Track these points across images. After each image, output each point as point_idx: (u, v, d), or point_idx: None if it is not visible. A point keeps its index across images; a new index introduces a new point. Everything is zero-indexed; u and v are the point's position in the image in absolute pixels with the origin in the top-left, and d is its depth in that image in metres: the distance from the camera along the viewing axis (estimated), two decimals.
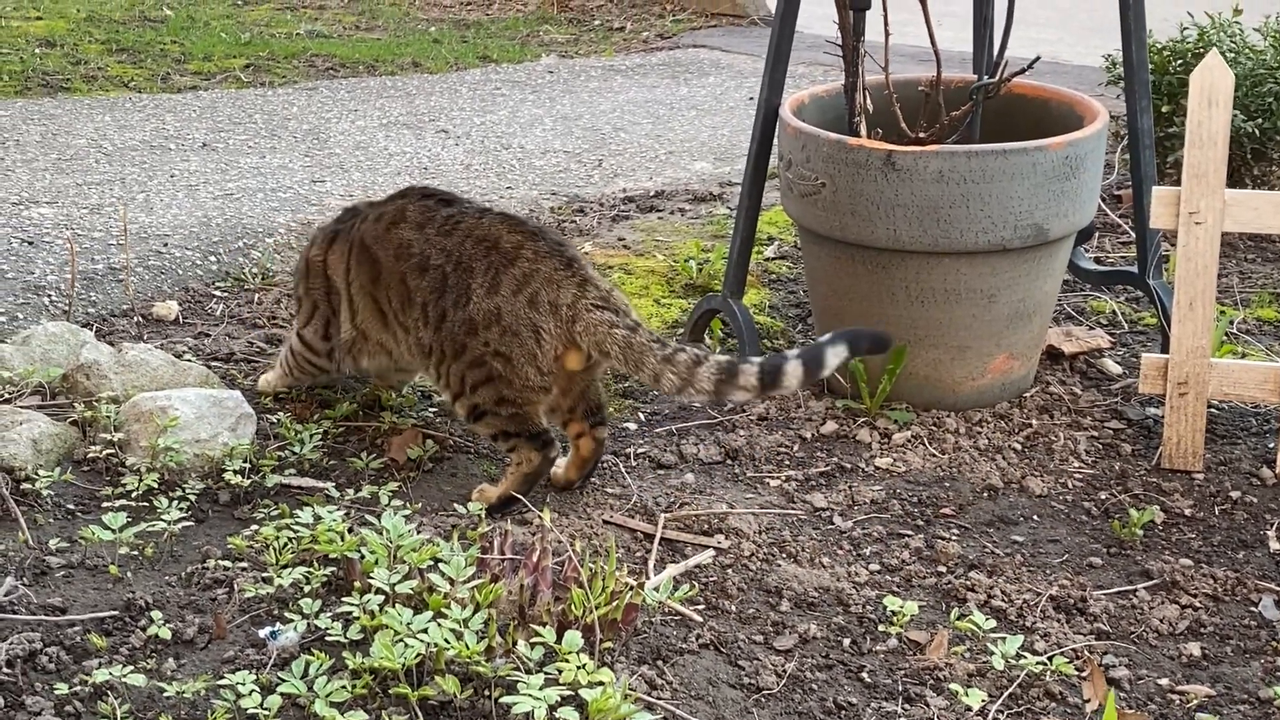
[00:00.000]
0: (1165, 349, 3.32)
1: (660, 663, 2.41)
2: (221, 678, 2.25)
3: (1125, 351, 3.75)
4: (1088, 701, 2.38)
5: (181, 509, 2.77)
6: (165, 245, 4.27)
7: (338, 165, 5.31)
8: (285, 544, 2.62)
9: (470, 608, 2.29)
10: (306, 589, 2.51)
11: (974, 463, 3.18)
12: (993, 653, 2.43)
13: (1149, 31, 3.90)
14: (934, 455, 3.20)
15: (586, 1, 9.36)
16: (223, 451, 2.99)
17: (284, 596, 2.52)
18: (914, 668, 2.45)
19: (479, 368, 2.89)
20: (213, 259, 4.25)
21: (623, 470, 3.13)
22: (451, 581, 2.37)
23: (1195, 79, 3.07)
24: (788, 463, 3.20)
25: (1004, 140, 3.21)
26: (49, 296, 3.85)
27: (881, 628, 2.56)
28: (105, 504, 2.83)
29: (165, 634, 2.39)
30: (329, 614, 2.40)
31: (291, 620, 2.40)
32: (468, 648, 2.21)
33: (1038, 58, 3.42)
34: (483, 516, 2.76)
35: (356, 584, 2.44)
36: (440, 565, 2.41)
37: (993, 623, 2.52)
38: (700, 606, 2.61)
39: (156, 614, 2.44)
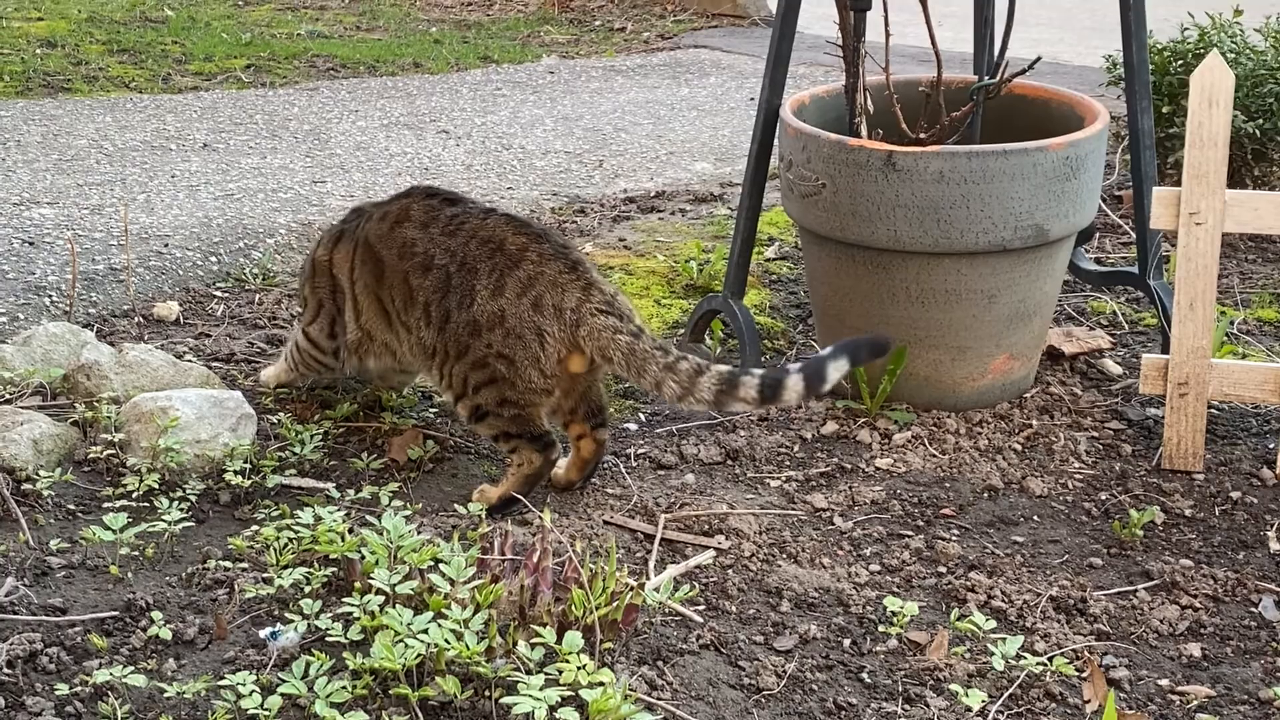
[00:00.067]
0: (1165, 349, 3.32)
1: (660, 663, 2.41)
2: (222, 678, 2.25)
3: (1126, 352, 3.75)
4: (1088, 702, 2.38)
5: (182, 509, 2.77)
6: (166, 246, 4.28)
7: (339, 166, 5.31)
8: (286, 544, 2.62)
9: (470, 608, 2.29)
10: (307, 589, 2.51)
11: (974, 463, 3.18)
12: (993, 653, 2.43)
13: (1149, 32, 3.90)
14: (934, 456, 3.20)
15: (587, 2, 9.36)
16: (223, 452, 2.99)
17: (284, 597, 2.52)
18: (914, 668, 2.45)
19: (482, 369, 2.89)
20: (213, 259, 4.25)
21: (623, 471, 3.13)
22: (452, 582, 2.37)
23: (1196, 79, 3.07)
24: (788, 463, 3.20)
25: (1005, 141, 3.21)
26: (50, 297, 3.85)
27: (882, 628, 2.56)
28: (106, 504, 2.83)
29: (166, 634, 2.39)
30: (329, 614, 2.40)
31: (292, 621, 2.40)
32: (468, 648, 2.21)
33: (1038, 58, 3.43)
34: (483, 517, 2.76)
35: (357, 584, 2.44)
36: (441, 566, 2.41)
37: (993, 623, 2.52)
38: (700, 607, 2.61)
39: (157, 614, 2.44)
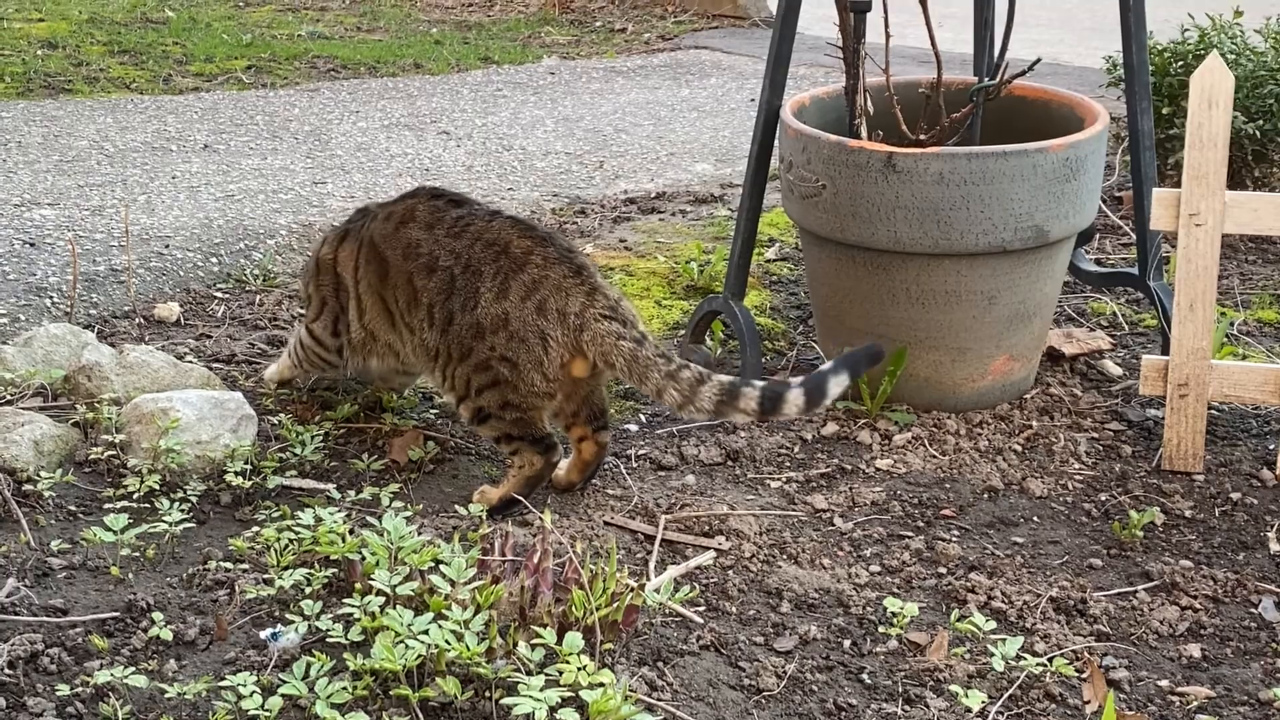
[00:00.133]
0: (1165, 351, 3.32)
1: (661, 664, 2.42)
2: (223, 679, 2.25)
3: (1126, 353, 3.75)
4: (1087, 703, 2.39)
5: (183, 510, 2.77)
6: (167, 247, 4.28)
7: (339, 167, 5.31)
8: (286, 545, 2.62)
9: (471, 609, 2.30)
10: (307, 590, 2.51)
11: (974, 464, 3.18)
12: (993, 654, 2.44)
13: (1150, 33, 3.90)
14: (934, 457, 3.21)
15: (588, 3, 9.37)
16: (224, 453, 2.99)
17: (285, 598, 2.52)
18: (914, 669, 2.45)
19: (485, 372, 2.89)
20: (214, 260, 4.25)
21: (624, 472, 3.13)
22: (452, 583, 2.37)
23: (1196, 81, 3.07)
24: (788, 464, 3.20)
25: (1005, 142, 3.21)
26: (51, 298, 3.85)
27: (882, 629, 2.56)
28: (107, 505, 2.84)
29: (167, 635, 2.39)
30: (330, 615, 2.41)
31: (293, 622, 2.41)
32: (468, 649, 2.21)
33: (1038, 59, 3.43)
34: (484, 518, 2.76)
35: (357, 585, 2.44)
36: (441, 567, 2.41)
37: (993, 624, 2.52)
38: (701, 608, 2.61)
39: (158, 615, 2.44)
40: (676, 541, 2.84)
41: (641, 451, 3.23)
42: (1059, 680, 2.43)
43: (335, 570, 2.56)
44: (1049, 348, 3.61)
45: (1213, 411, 3.39)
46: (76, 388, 3.18)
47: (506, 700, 2.13)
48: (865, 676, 2.44)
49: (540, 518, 2.58)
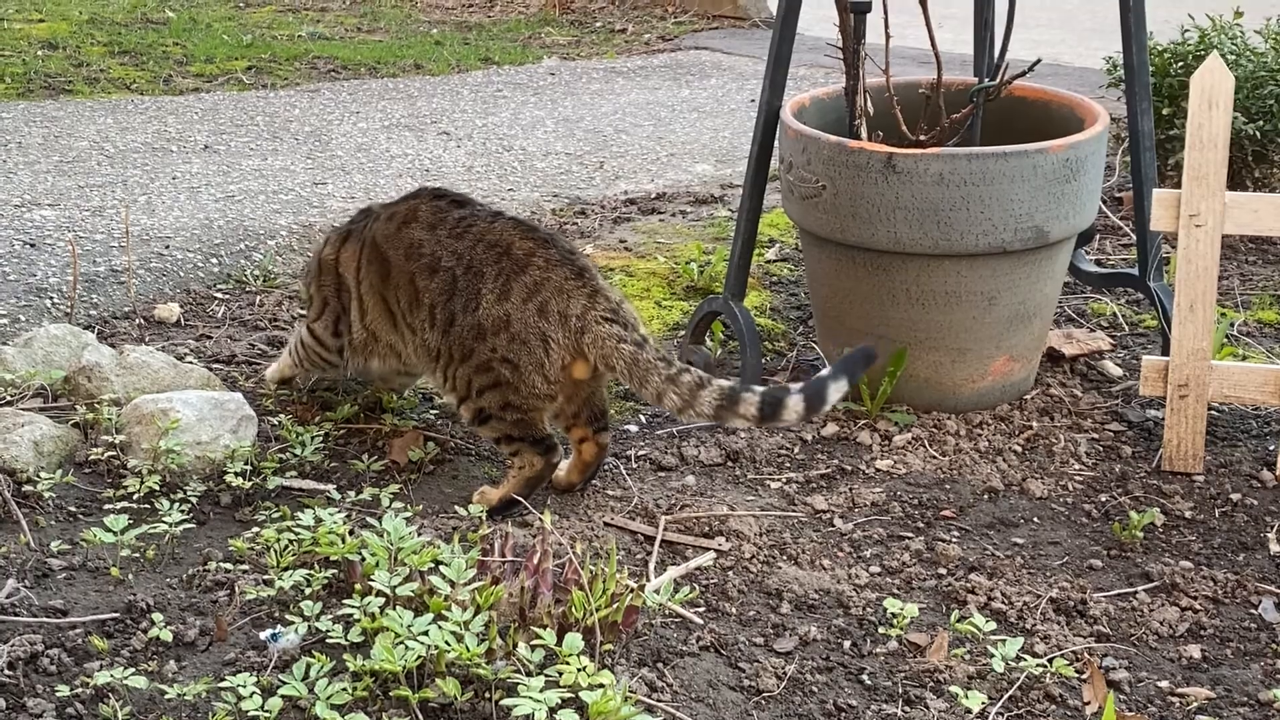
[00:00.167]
0: (1166, 351, 3.32)
1: (661, 665, 2.42)
2: (222, 680, 2.25)
3: (1126, 354, 3.75)
4: (1087, 704, 2.38)
5: (183, 511, 2.77)
6: (167, 247, 4.28)
7: (339, 167, 5.32)
8: (286, 546, 2.62)
9: (471, 610, 2.30)
10: (307, 591, 2.51)
11: (974, 465, 3.18)
12: (993, 655, 2.43)
13: (1150, 34, 3.90)
14: (934, 457, 3.20)
15: (588, 4, 9.37)
16: (224, 454, 2.99)
17: (285, 599, 2.52)
18: (914, 670, 2.45)
19: (486, 373, 2.89)
20: (214, 261, 4.25)
21: (623, 472, 3.13)
22: (452, 584, 2.37)
23: (1196, 81, 3.07)
24: (788, 465, 3.20)
25: (1005, 143, 3.21)
26: (51, 299, 3.85)
27: (882, 630, 2.56)
28: (106, 506, 2.84)
29: (166, 636, 2.39)
30: (330, 616, 2.41)
31: (292, 622, 2.41)
32: (468, 650, 2.21)
33: (1038, 60, 3.42)
34: (483, 519, 2.76)
35: (357, 586, 2.44)
36: (441, 568, 2.41)
37: (993, 625, 2.52)
38: (701, 609, 2.61)
39: (158, 616, 2.44)
40: (676, 542, 2.84)
41: (641, 452, 3.23)
42: (1059, 681, 2.43)
43: (335, 571, 2.56)
44: (1049, 348, 3.61)
45: (1213, 412, 3.39)
46: (76, 388, 3.18)
47: (506, 701, 2.13)
48: (865, 677, 2.44)
49: (540, 519, 2.58)
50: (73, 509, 2.83)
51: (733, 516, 2.93)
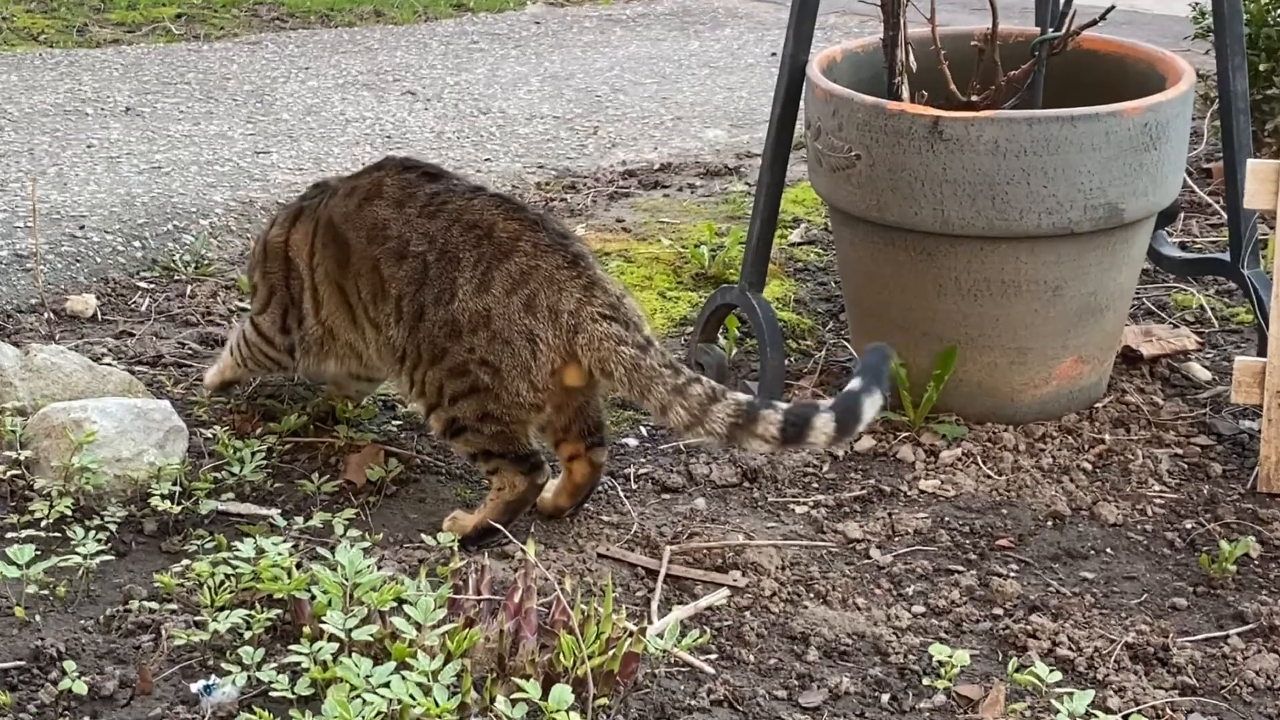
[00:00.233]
0: (1263, 351, 3.31)
1: None
2: None
3: (1215, 354, 3.75)
4: None
5: (100, 540, 2.77)
6: (81, 228, 4.28)
7: (285, 133, 5.32)
8: (222, 582, 2.62)
9: (440, 657, 2.29)
10: (247, 635, 2.51)
11: (1036, 486, 3.18)
12: (1058, 710, 2.43)
13: None
14: (989, 477, 3.21)
15: None
16: (149, 472, 2.99)
17: (220, 644, 2.52)
18: None
19: (461, 377, 2.89)
20: (137, 244, 4.25)
21: (621, 494, 3.13)
22: (418, 626, 2.37)
23: None
24: (816, 485, 3.20)
25: (1071, 104, 3.21)
26: None
27: (926, 681, 2.56)
28: (9, 535, 2.83)
29: (80, 688, 2.39)
30: (273, 665, 2.40)
31: (229, 672, 2.40)
32: (437, 705, 2.21)
33: (1112, 6, 3.42)
34: (456, 549, 2.76)
35: (306, 629, 2.44)
36: (405, 607, 2.41)
37: (1058, 675, 2.52)
38: (712, 656, 2.61)
39: (70, 665, 2.44)
40: (684, 577, 2.84)
41: (643, 470, 3.23)
42: None
43: (280, 611, 2.56)
44: (1124, 348, 3.61)
45: None
46: None
47: None
48: None
49: (523, 549, 2.58)
50: None
51: (750, 547, 2.93)
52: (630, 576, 2.84)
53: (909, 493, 3.17)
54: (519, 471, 2.92)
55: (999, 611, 2.79)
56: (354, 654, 2.32)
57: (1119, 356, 3.58)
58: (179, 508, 2.92)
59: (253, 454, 3.12)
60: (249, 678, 2.39)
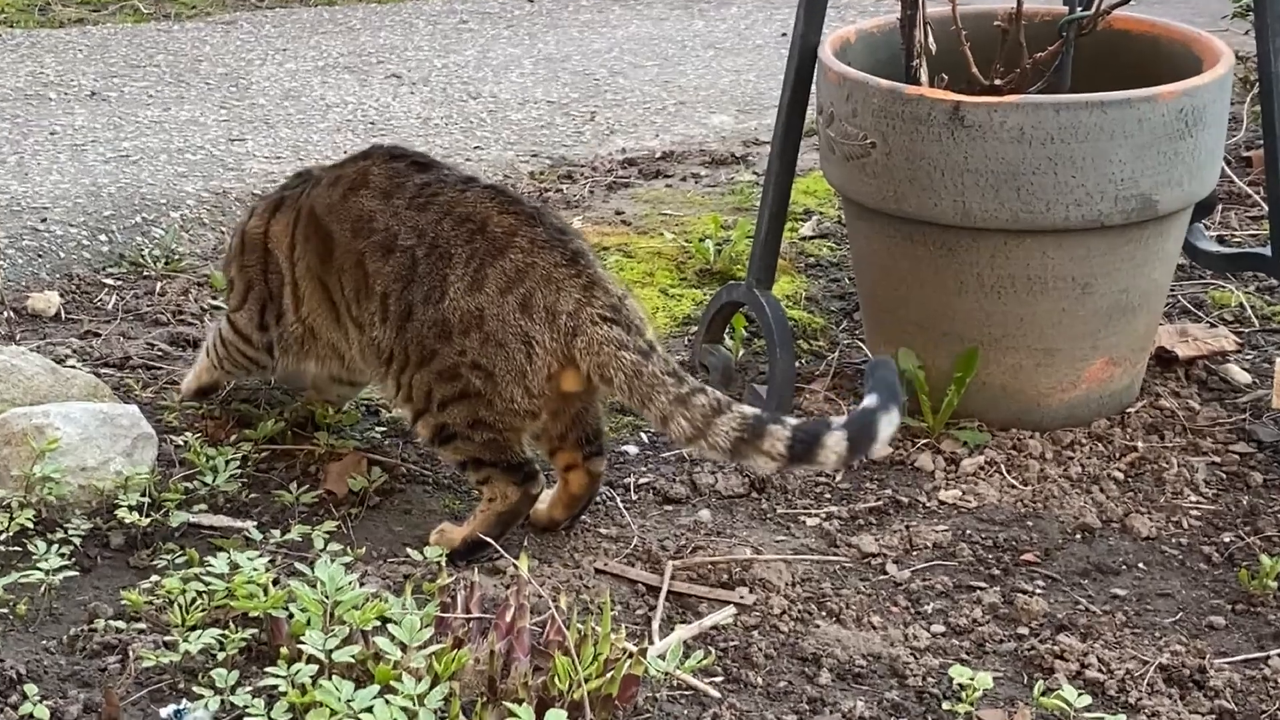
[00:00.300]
0: None
1: None
2: None
3: (1255, 355, 3.75)
4: None
5: (63, 555, 2.77)
6: (44, 221, 4.28)
7: (262, 119, 5.32)
8: (193, 600, 2.62)
9: (427, 680, 2.29)
10: (220, 657, 2.51)
11: (1064, 496, 3.18)
12: None
13: None
14: (1013, 487, 3.21)
15: None
16: (115, 482, 2.99)
17: (192, 666, 2.52)
18: None
19: (451, 381, 2.89)
20: (103, 238, 4.25)
21: (620, 505, 3.13)
22: (403, 647, 2.37)
23: None
24: (828, 496, 3.20)
25: (1102, 89, 3.21)
26: None
27: (946, 705, 2.56)
28: None
29: (42, 713, 2.39)
30: (248, 689, 2.41)
31: (201, 696, 2.41)
32: None
33: None
34: (443, 564, 2.76)
35: (283, 650, 2.44)
36: (389, 626, 2.41)
37: (1087, 699, 2.52)
38: (718, 679, 2.61)
39: (31, 688, 2.44)
40: (687, 594, 2.84)
41: (643, 480, 3.23)
42: None
43: (255, 631, 2.56)
44: (1159, 349, 3.61)
45: None
46: None
47: None
48: None
49: (515, 564, 2.58)
50: None
51: (758, 562, 2.93)
52: (630, 593, 2.84)
53: (928, 504, 3.17)
54: (512, 481, 2.92)
55: (1024, 631, 2.79)
56: (334, 676, 2.32)
57: (1152, 358, 3.58)
58: (148, 520, 2.93)
59: (227, 462, 3.12)
60: (222, 702, 2.39)
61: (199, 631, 2.53)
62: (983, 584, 2.92)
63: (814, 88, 3.49)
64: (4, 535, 2.86)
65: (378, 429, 3.37)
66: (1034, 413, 3.37)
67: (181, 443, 3.22)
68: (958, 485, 3.21)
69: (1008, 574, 2.96)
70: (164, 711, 2.40)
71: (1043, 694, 2.55)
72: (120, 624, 2.63)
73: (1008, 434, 3.35)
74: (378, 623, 2.44)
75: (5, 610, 2.67)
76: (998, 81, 3.27)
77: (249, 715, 2.32)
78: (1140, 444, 3.35)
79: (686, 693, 2.56)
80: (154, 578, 2.75)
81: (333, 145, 5.01)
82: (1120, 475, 3.26)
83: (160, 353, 3.68)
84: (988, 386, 3.35)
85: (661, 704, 2.53)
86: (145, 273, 4.13)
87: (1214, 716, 2.58)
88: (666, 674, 2.52)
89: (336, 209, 3.03)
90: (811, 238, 4.43)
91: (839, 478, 3.24)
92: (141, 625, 2.64)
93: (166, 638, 2.58)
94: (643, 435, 3.41)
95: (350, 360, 3.09)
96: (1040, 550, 3.02)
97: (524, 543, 2.96)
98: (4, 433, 3.00)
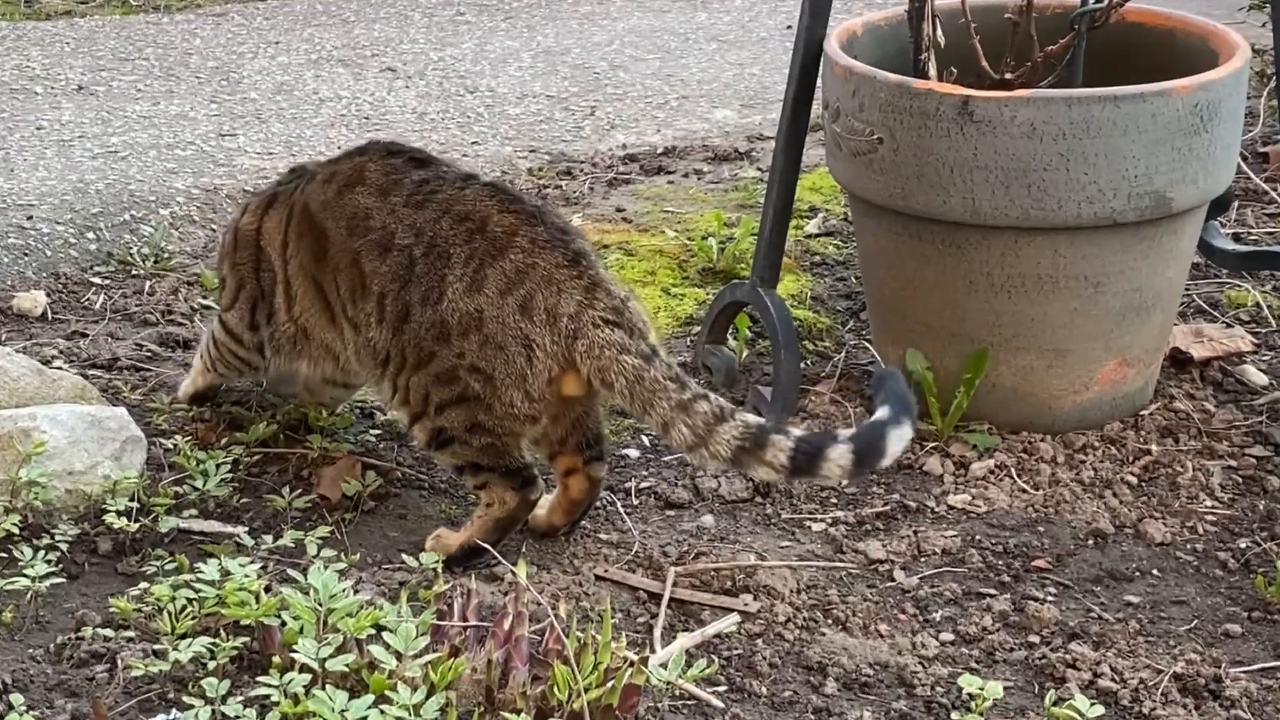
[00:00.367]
0: None
1: None
2: None
3: (1272, 356, 3.75)
4: None
5: (50, 561, 2.77)
6: (29, 218, 4.28)
7: (253, 114, 5.32)
8: (183, 607, 2.62)
9: (423, 690, 2.30)
10: (211, 666, 2.51)
11: (1076, 501, 3.18)
12: None
13: None
14: (1024, 491, 3.21)
15: None
16: (103, 487, 2.99)
17: (182, 675, 2.52)
18: None
19: (449, 384, 2.89)
20: (91, 236, 4.25)
21: (621, 510, 3.13)
22: (399, 656, 2.37)
23: None
24: (835, 501, 3.20)
25: (1115, 83, 3.21)
26: None
27: (955, 715, 2.56)
28: None
29: None
30: (240, 698, 2.40)
31: (191, 706, 2.40)
32: None
33: None
34: (440, 571, 2.76)
35: (276, 659, 2.44)
36: (384, 635, 2.41)
37: (1100, 709, 2.52)
38: (721, 688, 2.61)
39: (17, 698, 2.44)
40: (690, 602, 2.85)
41: (645, 484, 3.23)
42: None
43: (247, 639, 2.56)
44: (1173, 350, 3.61)
45: None
46: None
47: None
48: None
49: (513, 571, 2.58)
50: None
51: (762, 568, 2.93)
52: (631, 601, 2.84)
53: (936, 509, 3.17)
54: (510, 486, 2.92)
55: (1035, 639, 2.79)
56: (328, 686, 2.32)
57: (1167, 359, 3.58)
58: (136, 525, 2.93)
59: (217, 466, 3.12)
60: (213, 712, 2.39)
61: (189, 640, 2.53)
62: (993, 591, 2.93)
63: (820, 82, 3.49)
64: None
65: (372, 432, 3.37)
66: (1045, 415, 3.37)
67: (171, 446, 3.22)
68: (967, 490, 3.22)
69: (1018, 581, 2.96)
70: None
71: (1054, 704, 2.55)
72: (108, 632, 2.64)
73: (1018, 437, 3.35)
74: (372, 631, 2.44)
75: None
76: (1008, 75, 3.27)
77: None
78: (1154, 447, 3.35)
79: (689, 703, 2.56)
80: (143, 585, 2.75)
81: (326, 140, 5.01)
82: (1134, 479, 3.26)
83: (149, 354, 3.68)
84: (998, 388, 3.35)
85: (663, 714, 2.53)
86: (134, 271, 4.13)
87: None
88: (668, 683, 2.52)
89: (331, 206, 3.03)
90: (817, 235, 4.44)
91: (845, 482, 3.24)
92: (130, 633, 2.64)
93: (156, 646, 2.58)
94: (644, 438, 3.41)
95: (345, 361, 3.09)
96: (1052, 556, 3.03)
97: (522, 549, 2.96)
98: None
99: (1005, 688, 2.62)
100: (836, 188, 4.51)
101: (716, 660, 2.66)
